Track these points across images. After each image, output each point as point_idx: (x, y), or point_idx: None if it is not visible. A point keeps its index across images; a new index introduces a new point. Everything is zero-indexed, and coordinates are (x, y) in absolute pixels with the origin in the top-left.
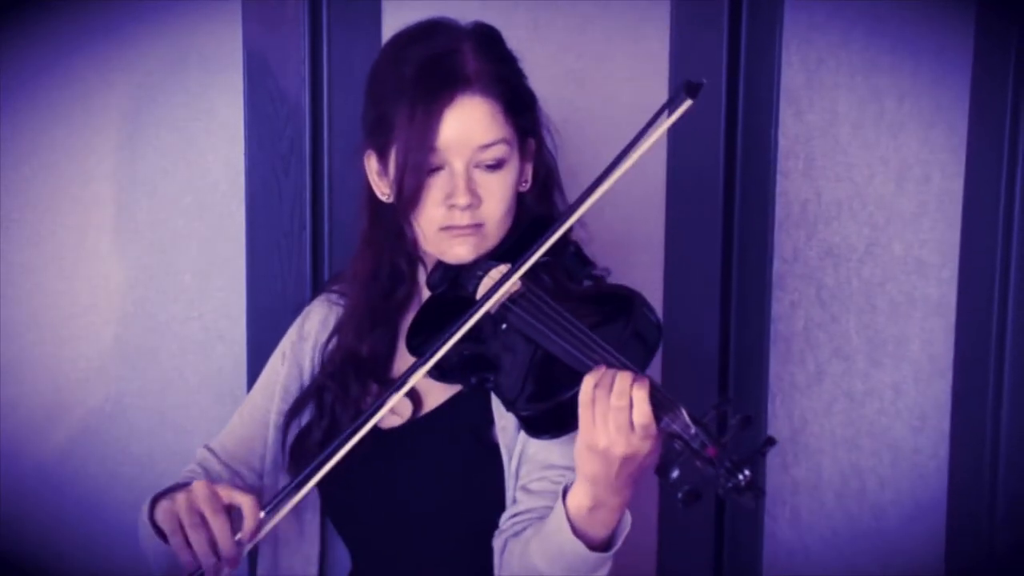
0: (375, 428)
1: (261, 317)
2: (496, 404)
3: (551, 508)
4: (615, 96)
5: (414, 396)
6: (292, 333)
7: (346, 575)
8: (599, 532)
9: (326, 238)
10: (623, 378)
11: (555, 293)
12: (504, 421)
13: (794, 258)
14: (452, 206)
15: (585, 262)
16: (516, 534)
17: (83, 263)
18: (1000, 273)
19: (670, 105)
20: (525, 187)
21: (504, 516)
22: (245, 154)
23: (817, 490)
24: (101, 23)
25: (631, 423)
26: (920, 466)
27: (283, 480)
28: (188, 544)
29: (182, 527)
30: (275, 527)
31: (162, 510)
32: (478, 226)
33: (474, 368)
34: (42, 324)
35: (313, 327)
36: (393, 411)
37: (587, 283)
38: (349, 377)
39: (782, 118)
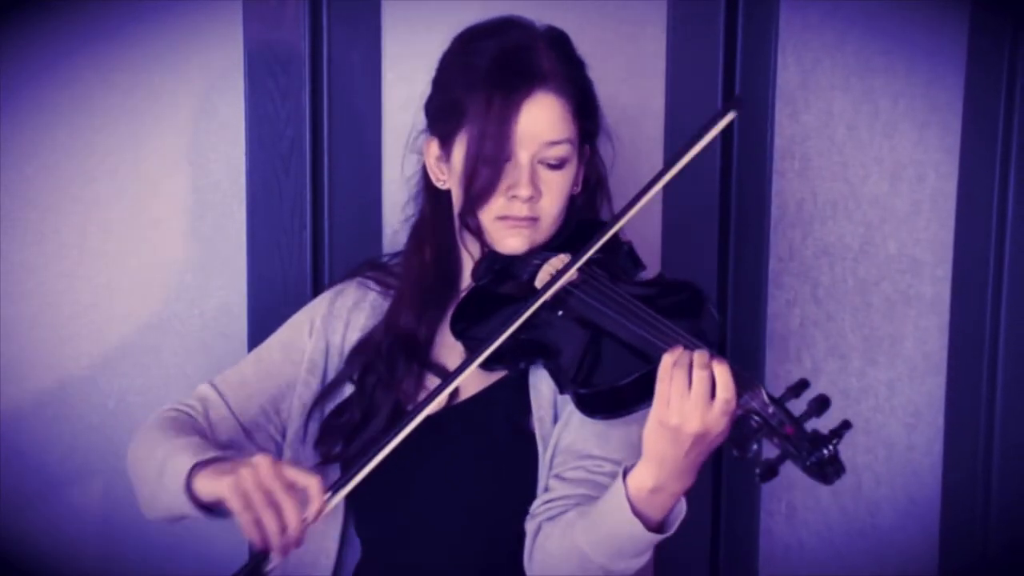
0: (405, 413)
1: (262, 315)
2: (534, 393)
3: (587, 496)
4: (612, 97)
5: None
6: (321, 307)
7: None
8: (655, 515)
9: (326, 237)
10: (702, 354)
11: (613, 282)
12: (542, 411)
13: (790, 257)
14: (513, 197)
15: (636, 262)
16: (551, 518)
17: (85, 262)
18: (993, 271)
19: (717, 118)
20: (576, 190)
21: (536, 502)
22: (246, 154)
23: (813, 486)
24: (103, 24)
25: (711, 396)
26: (914, 463)
27: (306, 452)
28: (256, 523)
29: (252, 505)
30: None
31: (225, 486)
32: (534, 220)
33: (525, 353)
34: (45, 322)
35: (345, 306)
36: (420, 396)
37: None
38: (398, 359)
39: (778, 119)
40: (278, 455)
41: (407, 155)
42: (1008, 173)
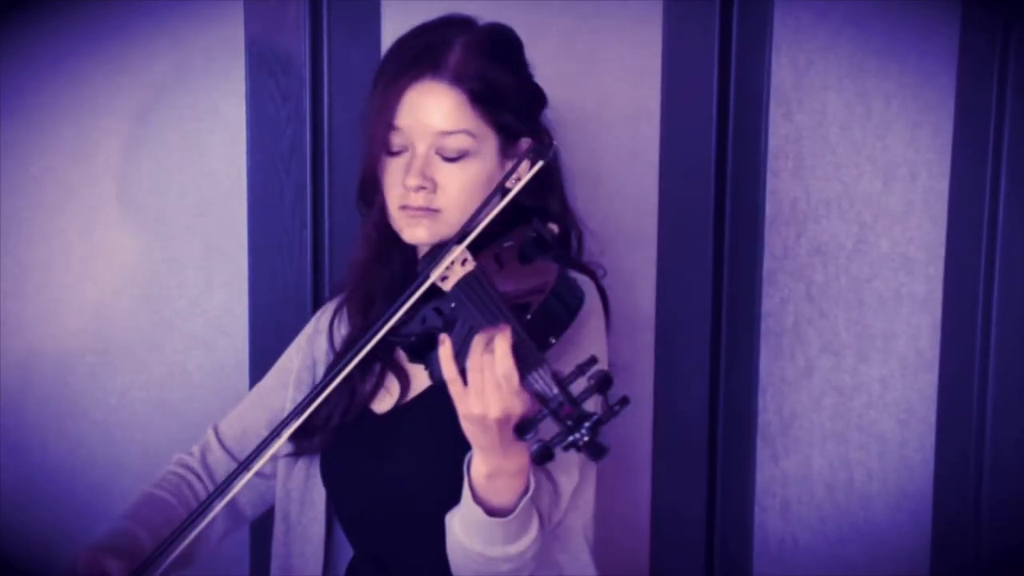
0: (368, 412)
1: (263, 313)
2: None
3: None
4: (609, 97)
5: (403, 380)
6: (309, 328)
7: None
8: (503, 499)
9: (326, 236)
10: (503, 341)
11: (503, 275)
12: None
13: (784, 255)
14: (406, 185)
15: (545, 248)
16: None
17: (90, 260)
18: (984, 270)
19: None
20: (513, 181)
21: None
22: (247, 154)
23: (807, 482)
24: (106, 26)
25: (497, 380)
26: (907, 458)
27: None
28: None
29: None
30: (287, 510)
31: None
32: (433, 211)
33: (432, 347)
34: (50, 319)
35: (327, 320)
36: (382, 395)
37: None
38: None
39: (772, 119)
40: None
41: None
42: (999, 173)
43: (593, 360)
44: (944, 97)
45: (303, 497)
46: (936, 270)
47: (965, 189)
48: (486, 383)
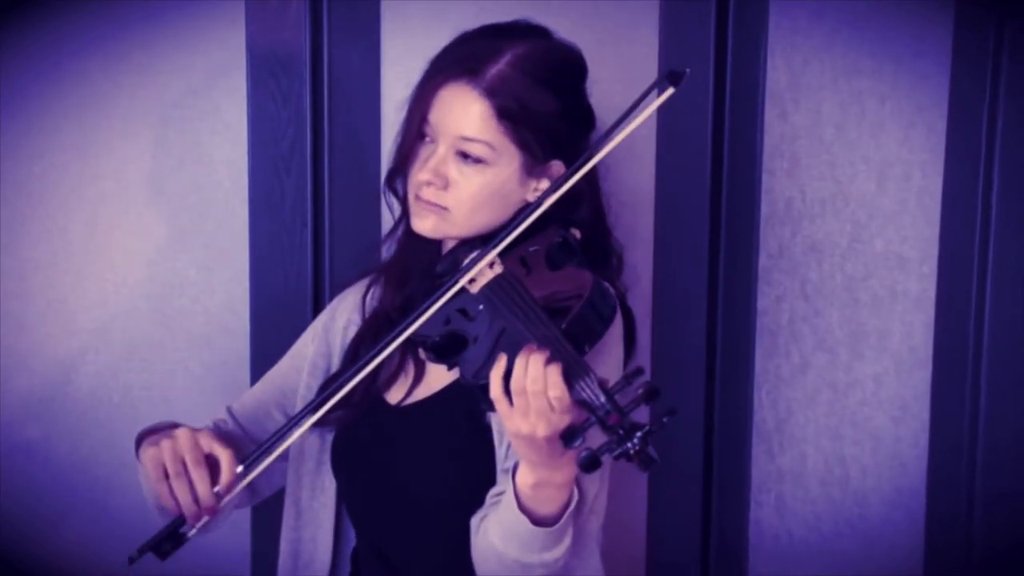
0: (383, 404)
1: (264, 311)
2: None
3: None
4: (605, 97)
5: (419, 372)
6: (325, 314)
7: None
8: (547, 509)
9: (326, 235)
10: (536, 361)
11: (534, 279)
12: None
13: (779, 254)
14: (420, 179)
15: (571, 253)
16: (487, 516)
17: (92, 259)
18: (978, 268)
19: (653, 90)
20: (536, 197)
21: (488, 497)
22: (248, 153)
23: (802, 478)
24: (109, 27)
25: (550, 404)
26: (901, 455)
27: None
28: (171, 490)
29: (167, 474)
30: (298, 495)
31: (147, 455)
32: (441, 207)
33: (458, 347)
34: (52, 318)
35: (347, 308)
36: (398, 384)
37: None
38: (382, 331)
39: (767, 119)
40: None
41: None
42: (992, 172)
43: (640, 371)
44: (937, 98)
45: (314, 483)
46: (930, 269)
47: (958, 188)
48: (534, 406)
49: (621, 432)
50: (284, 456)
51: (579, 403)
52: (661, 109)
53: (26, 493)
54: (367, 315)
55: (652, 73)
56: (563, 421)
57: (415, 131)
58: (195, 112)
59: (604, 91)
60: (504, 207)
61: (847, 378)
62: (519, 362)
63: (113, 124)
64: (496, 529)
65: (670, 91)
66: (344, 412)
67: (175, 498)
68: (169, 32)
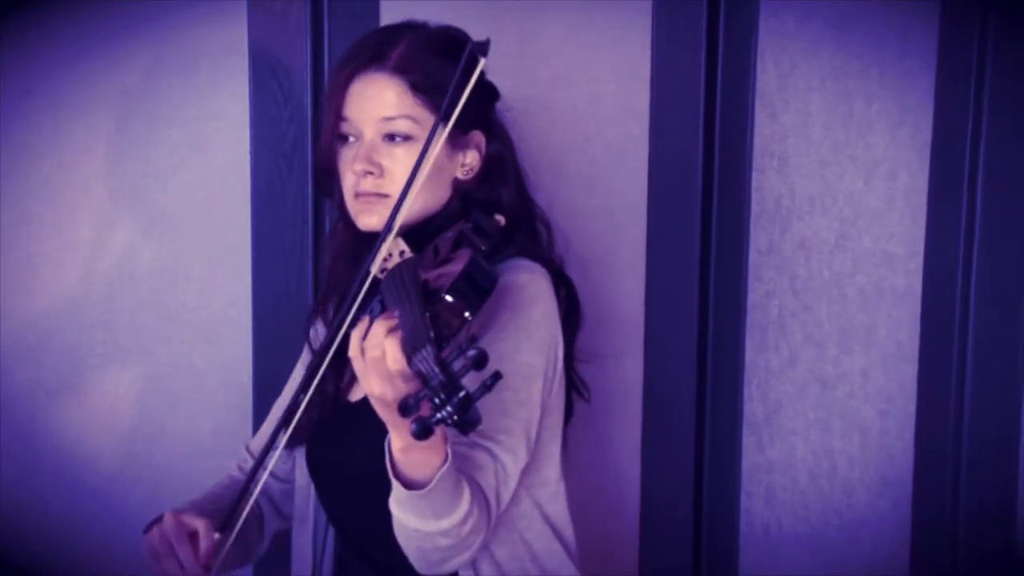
0: (342, 401)
1: (265, 306)
2: None
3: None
4: (600, 97)
5: None
6: (313, 333)
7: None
8: (424, 472)
9: (327, 231)
10: (378, 327)
11: (432, 264)
12: None
13: (769, 250)
14: (354, 171)
15: (485, 238)
16: None
17: (99, 255)
18: (963, 264)
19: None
20: (465, 174)
21: None
22: (251, 152)
23: (791, 469)
24: (115, 30)
25: (386, 367)
26: (887, 446)
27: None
28: (162, 571)
29: (158, 557)
30: (296, 500)
31: (145, 544)
32: (383, 195)
33: None
34: (61, 312)
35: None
36: (357, 384)
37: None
38: (324, 352)
39: (757, 119)
40: None
41: None
42: (976, 171)
43: (473, 339)
44: (923, 98)
45: (305, 483)
46: (916, 265)
47: (943, 187)
48: (368, 366)
49: (441, 398)
50: (278, 477)
51: (416, 374)
52: (652, 110)
53: (33, 485)
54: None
55: (645, 76)
56: (407, 388)
57: (332, 130)
58: (199, 112)
59: (598, 91)
60: (440, 184)
61: (835, 372)
62: (360, 325)
63: (118, 124)
64: (393, 500)
65: (482, 62)
66: (308, 420)
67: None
68: (173, 35)
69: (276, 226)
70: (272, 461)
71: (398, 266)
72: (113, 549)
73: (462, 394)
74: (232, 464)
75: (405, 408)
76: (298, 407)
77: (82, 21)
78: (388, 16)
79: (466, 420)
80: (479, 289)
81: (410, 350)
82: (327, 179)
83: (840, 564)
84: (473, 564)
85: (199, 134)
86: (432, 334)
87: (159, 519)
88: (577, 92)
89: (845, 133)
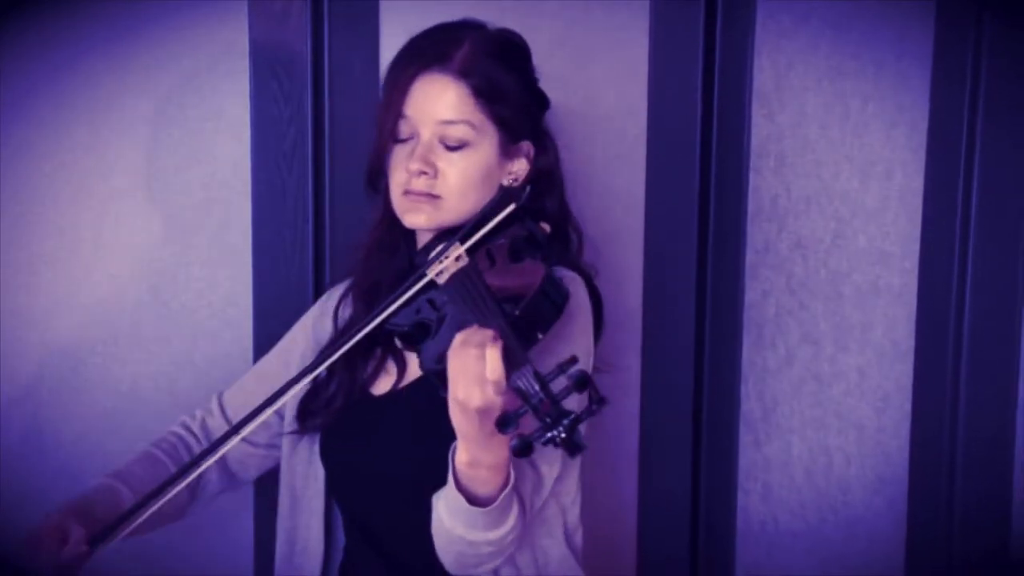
0: (366, 394)
1: (266, 305)
2: None
3: None
4: (597, 97)
5: (400, 365)
6: (315, 310)
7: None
8: (484, 490)
9: (327, 231)
10: (483, 335)
11: (495, 272)
12: None
13: (765, 249)
14: (408, 170)
15: (536, 247)
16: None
17: (100, 254)
18: (958, 263)
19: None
20: (511, 181)
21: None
22: (251, 152)
23: (787, 466)
24: (117, 30)
25: (481, 374)
26: (883, 444)
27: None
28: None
29: (26, 548)
30: (292, 484)
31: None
32: (434, 196)
33: (423, 336)
34: (62, 311)
35: (332, 305)
36: (382, 379)
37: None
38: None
39: (754, 119)
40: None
41: None
42: (972, 171)
43: (574, 360)
44: (919, 98)
45: (307, 472)
46: (911, 264)
47: (939, 186)
48: (470, 376)
49: (549, 419)
50: (258, 444)
51: (515, 391)
52: (650, 111)
53: (34, 482)
54: (339, 325)
55: (643, 76)
56: (496, 401)
57: (391, 129)
58: (200, 112)
59: (596, 91)
60: (489, 188)
61: (831, 370)
62: (461, 333)
63: (120, 124)
64: (443, 506)
65: (512, 206)
66: (325, 416)
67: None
68: (174, 34)
69: (276, 226)
70: (247, 430)
71: (465, 271)
72: (114, 548)
73: (572, 416)
74: (198, 413)
75: (504, 422)
76: (318, 391)
77: (83, 21)
78: (388, 16)
79: (574, 442)
80: (555, 305)
81: (508, 367)
82: (377, 175)
83: (837, 561)
84: (495, 569)
85: (200, 134)
86: (528, 353)
87: (79, 503)
88: (575, 92)
89: (841, 133)
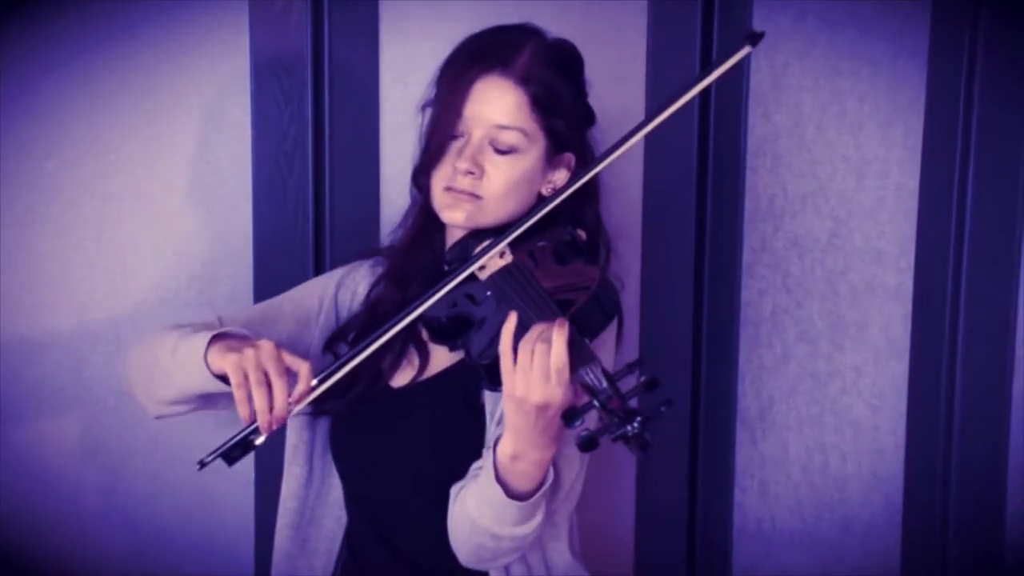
0: (385, 386)
1: None
2: None
3: None
4: (595, 98)
5: (423, 358)
6: (334, 278)
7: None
8: (522, 485)
9: (327, 230)
10: (548, 328)
11: (541, 271)
12: None
13: (762, 248)
14: (456, 167)
15: (579, 251)
16: (466, 486)
17: (103, 253)
18: (953, 262)
19: (727, 56)
20: (549, 191)
21: (470, 469)
22: (252, 152)
23: (784, 464)
24: (119, 31)
25: (549, 372)
26: (879, 441)
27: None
28: (249, 398)
29: (247, 381)
30: (311, 454)
31: (229, 361)
32: (476, 196)
33: (462, 330)
34: (65, 309)
35: (356, 280)
36: (403, 370)
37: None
38: (389, 317)
39: (751, 119)
40: None
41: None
42: (967, 170)
43: (641, 361)
44: (915, 98)
45: (325, 443)
46: (907, 263)
47: (934, 185)
48: (535, 368)
49: (620, 416)
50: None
51: (582, 386)
52: (648, 110)
53: (37, 479)
54: (369, 304)
55: (640, 76)
56: (557, 396)
57: (449, 128)
58: (201, 112)
59: (594, 92)
60: (529, 196)
61: (827, 368)
62: (536, 327)
63: (122, 123)
64: (473, 498)
65: (748, 50)
66: (340, 400)
67: (252, 406)
68: (176, 35)
69: (277, 225)
70: (363, 356)
71: (512, 267)
72: (115, 547)
73: (646, 414)
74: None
75: (572, 415)
76: (353, 359)
77: (84, 21)
78: (388, 16)
79: (646, 440)
80: (605, 312)
81: (576, 362)
82: (426, 171)
83: (833, 557)
84: (507, 566)
85: (200, 134)
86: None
87: (231, 335)
88: None
89: (837, 133)
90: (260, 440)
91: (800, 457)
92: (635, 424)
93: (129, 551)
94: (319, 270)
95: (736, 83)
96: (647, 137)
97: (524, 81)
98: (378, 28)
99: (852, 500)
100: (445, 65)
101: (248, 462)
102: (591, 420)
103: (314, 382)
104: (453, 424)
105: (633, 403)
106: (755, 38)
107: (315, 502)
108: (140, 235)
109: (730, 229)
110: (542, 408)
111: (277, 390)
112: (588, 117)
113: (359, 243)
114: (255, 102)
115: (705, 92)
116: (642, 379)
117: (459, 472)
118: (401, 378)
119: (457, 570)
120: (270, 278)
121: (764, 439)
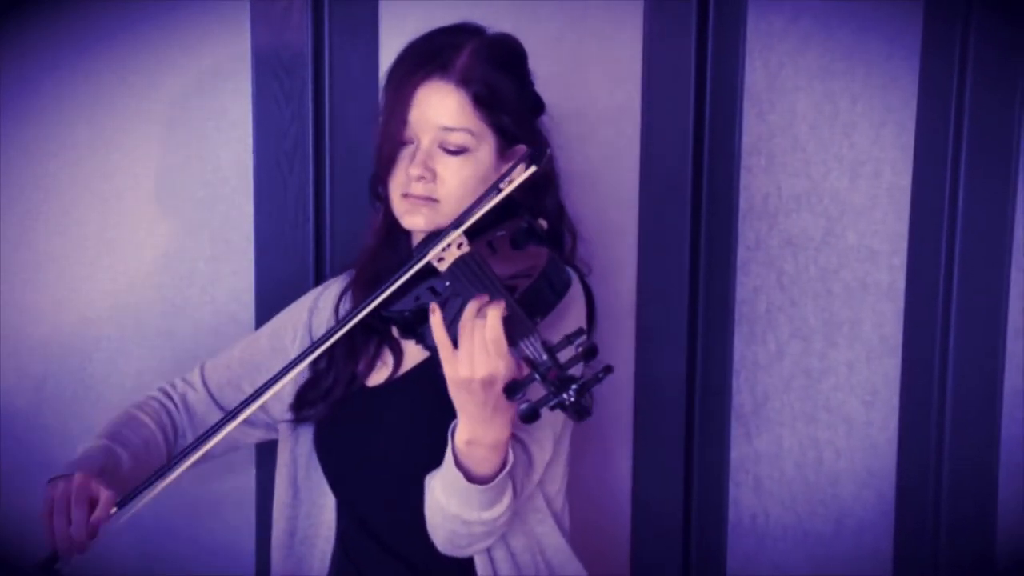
0: (362, 387)
1: (268, 301)
2: None
3: None
4: (592, 98)
5: (397, 355)
6: (308, 301)
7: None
8: (482, 469)
9: (328, 229)
10: (477, 300)
11: (497, 260)
12: None
13: (756, 247)
14: (409, 174)
15: (536, 238)
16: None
17: (105, 251)
18: (945, 260)
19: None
20: (506, 183)
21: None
22: (253, 151)
23: (778, 460)
24: (120, 31)
25: (487, 346)
26: (872, 438)
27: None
28: (49, 527)
29: (52, 511)
30: (294, 475)
31: (46, 493)
32: (432, 200)
33: (424, 321)
34: (68, 308)
35: (330, 298)
36: (378, 370)
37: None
38: (356, 333)
39: (745, 118)
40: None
41: None
42: (959, 169)
43: (580, 331)
44: (907, 98)
45: (308, 463)
46: (899, 261)
47: (926, 185)
48: (475, 345)
49: (557, 385)
50: (257, 423)
51: (524, 360)
52: (644, 110)
53: (38, 478)
54: (339, 318)
55: (636, 77)
56: (500, 368)
57: (396, 136)
58: (202, 111)
59: (590, 92)
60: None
61: (821, 365)
62: (471, 304)
63: (124, 123)
64: (439, 485)
65: (533, 169)
66: (320, 406)
67: (51, 534)
68: (177, 35)
69: (278, 223)
70: (244, 415)
71: (468, 257)
72: (115, 547)
73: (580, 381)
74: (167, 388)
75: (513, 388)
76: (317, 381)
77: (84, 21)
78: (388, 16)
79: (582, 406)
80: (555, 290)
81: (515, 335)
82: (382, 180)
83: (826, 552)
84: (489, 551)
85: (202, 133)
86: (533, 323)
87: (68, 475)
88: (569, 93)
89: (831, 132)
90: (64, 567)
91: (794, 453)
92: (570, 392)
93: (129, 551)
94: (319, 269)
95: (731, 83)
96: (643, 137)
97: (465, 82)
98: (378, 27)
99: (845, 495)
100: (389, 73)
101: (249, 462)
102: (535, 393)
103: (114, 510)
104: (430, 417)
105: (577, 372)
106: (539, 156)
107: (305, 523)
108: (142, 234)
109: (725, 227)
110: (487, 383)
111: (75, 519)
112: (535, 107)
113: (359, 242)
114: (256, 102)
115: (700, 92)
116: (579, 349)
117: (437, 463)
118: (377, 378)
119: (445, 563)
120: (271, 277)
121: (758, 435)
